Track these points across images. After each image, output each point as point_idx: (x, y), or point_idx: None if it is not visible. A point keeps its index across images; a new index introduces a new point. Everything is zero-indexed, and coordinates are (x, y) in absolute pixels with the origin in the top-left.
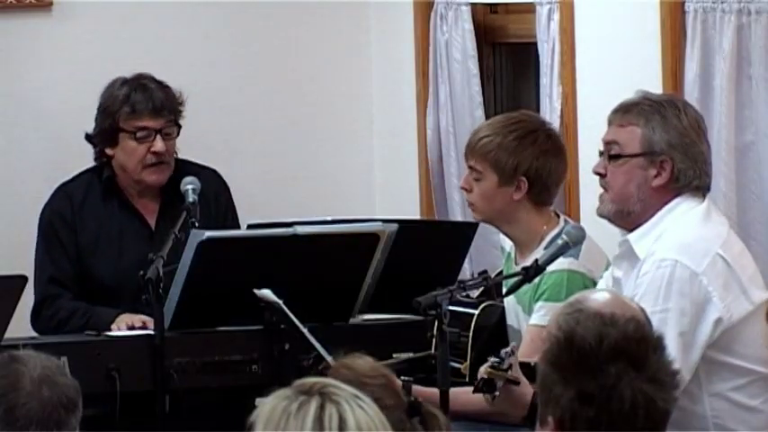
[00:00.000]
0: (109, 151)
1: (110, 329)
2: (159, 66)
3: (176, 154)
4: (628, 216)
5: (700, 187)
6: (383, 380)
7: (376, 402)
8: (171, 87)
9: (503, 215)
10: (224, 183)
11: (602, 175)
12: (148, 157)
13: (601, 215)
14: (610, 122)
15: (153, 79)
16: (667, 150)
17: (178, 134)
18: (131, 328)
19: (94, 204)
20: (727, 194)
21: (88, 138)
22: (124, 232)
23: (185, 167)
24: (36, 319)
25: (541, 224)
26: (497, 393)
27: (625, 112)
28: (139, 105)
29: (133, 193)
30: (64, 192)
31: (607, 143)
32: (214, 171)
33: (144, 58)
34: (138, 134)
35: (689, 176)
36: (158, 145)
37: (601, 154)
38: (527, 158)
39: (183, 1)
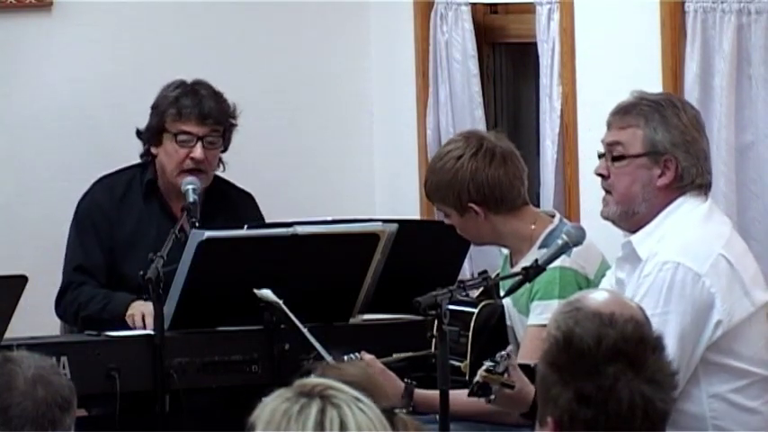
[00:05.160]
0: (153, 150)
1: (124, 315)
2: (158, 65)
3: (222, 168)
4: (633, 217)
5: (702, 185)
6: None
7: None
8: (226, 99)
9: (485, 235)
10: (260, 210)
11: (604, 177)
12: (187, 162)
13: (605, 218)
14: (609, 125)
15: (209, 87)
16: (671, 149)
17: (226, 147)
18: (142, 319)
19: (134, 202)
20: (727, 194)
21: (138, 133)
22: (161, 235)
23: (224, 186)
24: (59, 303)
25: (527, 226)
26: (493, 397)
27: (624, 114)
28: (186, 110)
29: (173, 197)
30: (106, 184)
31: (609, 144)
32: (252, 196)
33: (144, 57)
34: (180, 137)
35: (692, 174)
36: (197, 151)
37: (600, 156)
38: (463, 186)
39: (183, 1)
